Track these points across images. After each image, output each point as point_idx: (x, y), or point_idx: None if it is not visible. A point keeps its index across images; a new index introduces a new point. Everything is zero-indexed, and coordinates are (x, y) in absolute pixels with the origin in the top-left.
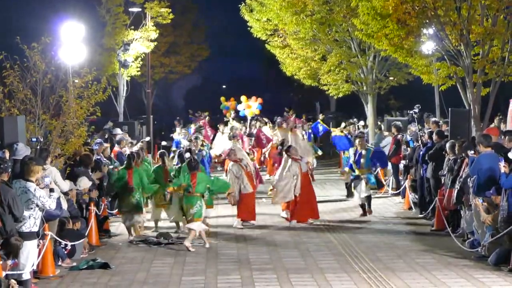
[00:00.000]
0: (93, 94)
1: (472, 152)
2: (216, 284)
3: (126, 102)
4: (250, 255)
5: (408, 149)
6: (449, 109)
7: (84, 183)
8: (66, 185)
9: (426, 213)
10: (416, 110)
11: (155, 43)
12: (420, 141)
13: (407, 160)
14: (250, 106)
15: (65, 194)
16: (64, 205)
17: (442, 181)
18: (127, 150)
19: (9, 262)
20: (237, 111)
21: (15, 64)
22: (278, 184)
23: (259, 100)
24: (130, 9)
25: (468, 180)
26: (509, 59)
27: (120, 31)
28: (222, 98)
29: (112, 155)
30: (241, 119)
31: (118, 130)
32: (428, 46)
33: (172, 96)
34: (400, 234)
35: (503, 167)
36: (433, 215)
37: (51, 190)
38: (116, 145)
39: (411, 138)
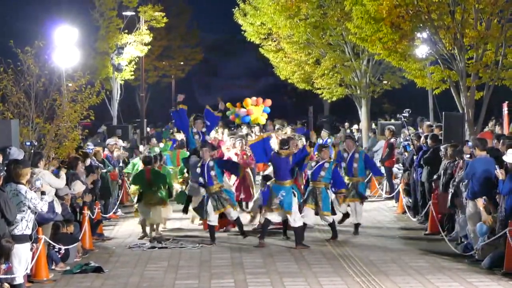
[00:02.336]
0: (87, 97)
1: (468, 156)
2: None
3: (120, 106)
4: (244, 259)
5: (406, 153)
6: (443, 113)
7: (78, 187)
8: (59, 182)
9: (419, 217)
10: (406, 114)
11: (149, 46)
12: (412, 145)
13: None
14: (251, 113)
15: (60, 198)
16: (58, 209)
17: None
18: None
19: (3, 266)
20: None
21: (9, 68)
22: None
23: (267, 102)
24: (124, 13)
25: (461, 184)
26: (503, 63)
27: (114, 34)
28: (228, 104)
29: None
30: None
31: (119, 141)
32: (422, 50)
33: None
34: (394, 238)
35: (500, 174)
36: (427, 219)
37: (43, 193)
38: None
39: (408, 143)
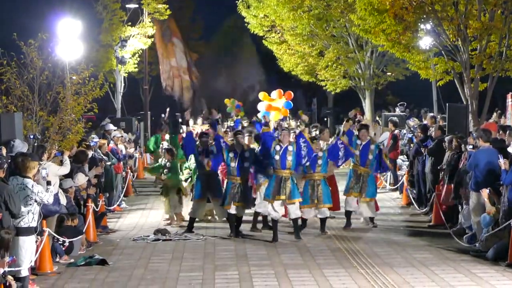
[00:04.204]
0: (90, 90)
1: (471, 147)
2: (214, 280)
3: (123, 99)
4: (248, 251)
5: (411, 145)
6: (447, 104)
7: (80, 179)
8: (64, 168)
9: (424, 208)
10: (402, 108)
11: (152, 39)
12: (414, 136)
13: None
14: (276, 107)
15: (64, 191)
16: (63, 201)
17: (440, 176)
18: (122, 148)
19: (7, 259)
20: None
21: (12, 61)
22: None
23: (287, 94)
24: (127, 5)
25: (465, 175)
26: (507, 54)
27: (117, 27)
28: (226, 100)
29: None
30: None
31: (110, 126)
32: (425, 41)
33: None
34: (398, 230)
35: (503, 164)
36: (431, 210)
37: (48, 183)
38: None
39: (413, 135)
